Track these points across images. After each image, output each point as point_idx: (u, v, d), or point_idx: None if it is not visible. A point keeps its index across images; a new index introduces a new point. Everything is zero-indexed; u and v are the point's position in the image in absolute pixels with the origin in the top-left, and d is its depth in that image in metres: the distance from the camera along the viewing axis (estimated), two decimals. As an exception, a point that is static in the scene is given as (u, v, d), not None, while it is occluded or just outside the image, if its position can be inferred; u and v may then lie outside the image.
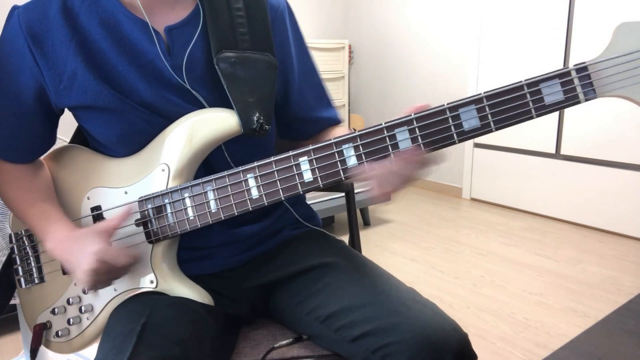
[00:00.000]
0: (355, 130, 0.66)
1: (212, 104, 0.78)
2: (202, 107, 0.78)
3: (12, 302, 1.00)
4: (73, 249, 0.74)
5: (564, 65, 2.87)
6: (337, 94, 3.76)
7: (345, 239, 1.08)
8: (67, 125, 0.88)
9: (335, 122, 0.94)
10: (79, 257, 0.71)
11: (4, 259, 0.93)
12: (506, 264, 2.42)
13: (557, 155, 3.00)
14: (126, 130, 0.77)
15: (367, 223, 3.01)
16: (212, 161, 0.81)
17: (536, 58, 3.00)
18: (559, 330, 1.82)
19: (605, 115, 2.73)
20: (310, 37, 3.79)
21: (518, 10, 3.05)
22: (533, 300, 2.05)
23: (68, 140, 0.91)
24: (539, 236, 2.79)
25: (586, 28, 2.75)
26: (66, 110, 0.83)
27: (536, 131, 3.06)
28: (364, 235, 2.86)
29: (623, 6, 2.58)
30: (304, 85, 0.89)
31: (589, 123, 2.81)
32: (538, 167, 3.09)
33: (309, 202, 1.00)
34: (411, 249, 2.64)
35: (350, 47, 4.10)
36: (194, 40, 0.77)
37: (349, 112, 3.93)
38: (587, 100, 0.61)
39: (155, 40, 0.76)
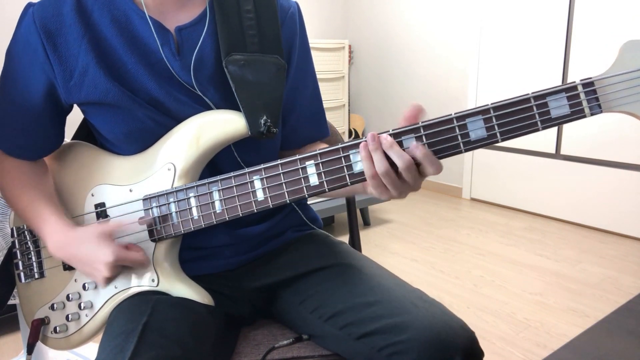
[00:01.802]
0: (356, 130, 0.66)
1: (220, 105, 0.78)
2: (210, 108, 0.78)
3: (12, 302, 1.00)
4: (80, 253, 0.75)
5: (564, 64, 2.88)
6: (337, 94, 3.76)
7: (346, 239, 1.08)
8: (67, 124, 0.88)
9: (321, 136, 0.92)
10: (94, 265, 0.74)
11: (2, 259, 0.92)
12: (506, 264, 2.43)
13: (557, 155, 3.01)
14: (133, 128, 0.77)
15: (367, 223, 3.01)
16: (218, 162, 0.81)
17: (536, 58, 3.00)
18: (559, 330, 1.82)
19: (605, 115, 2.73)
20: (311, 37, 3.77)
21: (518, 10, 3.06)
22: (533, 300, 2.06)
23: (69, 140, 0.91)
24: (539, 236, 2.79)
25: (586, 26, 2.76)
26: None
27: (536, 131, 3.07)
28: (364, 235, 2.86)
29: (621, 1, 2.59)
30: (297, 91, 0.87)
31: (589, 123, 2.81)
32: (538, 167, 3.10)
33: (308, 202, 1.00)
34: (411, 249, 2.64)
35: (350, 47, 4.10)
36: (203, 42, 0.77)
37: (348, 112, 3.92)
38: (592, 114, 0.62)
39: (166, 39, 0.76)
